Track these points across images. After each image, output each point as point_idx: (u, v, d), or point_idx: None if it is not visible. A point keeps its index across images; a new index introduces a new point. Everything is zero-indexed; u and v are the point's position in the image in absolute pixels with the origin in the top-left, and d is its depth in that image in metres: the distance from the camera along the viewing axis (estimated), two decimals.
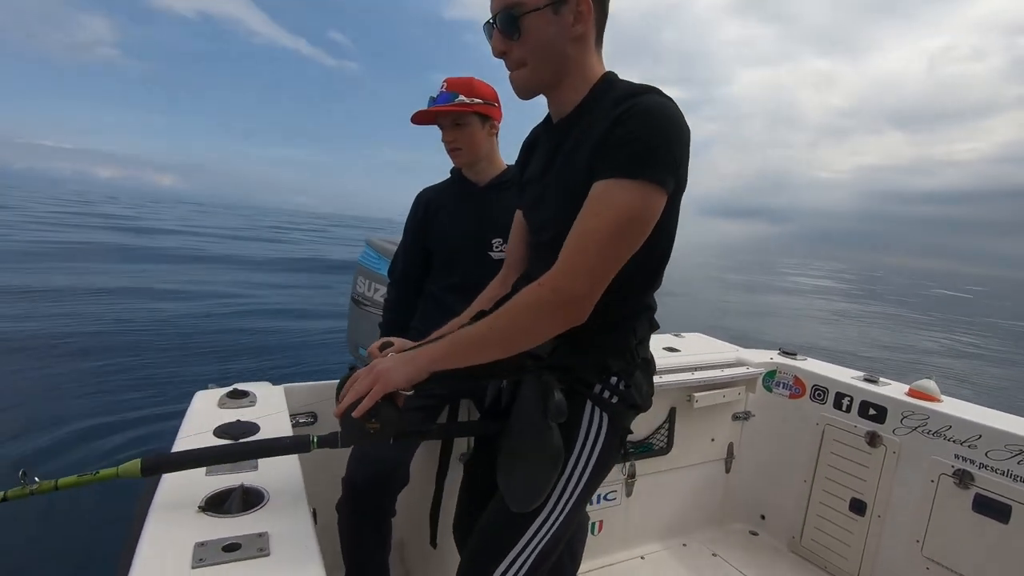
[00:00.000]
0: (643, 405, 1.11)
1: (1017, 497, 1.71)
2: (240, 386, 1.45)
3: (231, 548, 0.81)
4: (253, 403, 1.38)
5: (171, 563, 0.77)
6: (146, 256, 15.04)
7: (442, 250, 1.80)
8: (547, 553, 1.06)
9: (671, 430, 2.21)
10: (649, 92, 0.96)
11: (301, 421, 1.65)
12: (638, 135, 0.90)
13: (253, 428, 1.22)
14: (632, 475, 2.18)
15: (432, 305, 1.86)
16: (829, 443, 2.22)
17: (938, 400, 2.00)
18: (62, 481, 0.92)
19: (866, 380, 2.21)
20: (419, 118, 1.69)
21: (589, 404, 1.06)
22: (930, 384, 2.04)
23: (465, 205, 1.78)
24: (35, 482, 0.90)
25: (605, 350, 1.06)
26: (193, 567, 0.77)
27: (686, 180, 0.98)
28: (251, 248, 22.06)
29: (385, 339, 1.22)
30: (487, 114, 1.70)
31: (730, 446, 2.43)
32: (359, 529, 1.51)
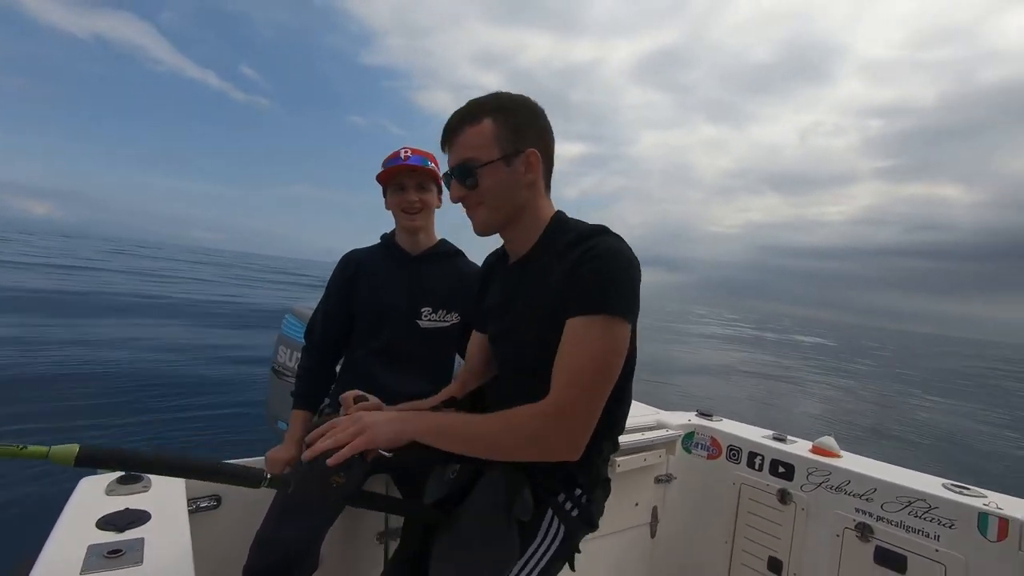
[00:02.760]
0: (596, 524, 1.15)
1: (911, 547, 1.82)
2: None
3: None
4: (147, 488, 1.28)
5: None
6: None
7: (369, 314, 1.79)
8: None
9: None
10: (602, 233, 1.07)
11: (203, 506, 1.54)
12: (603, 274, 1.00)
13: (143, 517, 1.14)
14: None
15: (353, 371, 1.83)
16: (745, 502, 2.29)
17: (838, 456, 2.13)
18: None
19: (775, 439, 2.32)
20: (390, 173, 1.75)
21: (550, 513, 1.08)
22: (830, 441, 2.17)
23: (397, 271, 1.80)
24: None
25: (576, 463, 1.07)
26: None
27: (639, 309, 1.09)
28: (147, 290, 19.56)
29: (358, 392, 1.21)
30: (440, 187, 1.80)
31: (654, 510, 2.45)
32: None
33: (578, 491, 1.11)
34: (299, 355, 2.78)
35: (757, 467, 2.27)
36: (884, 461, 2.11)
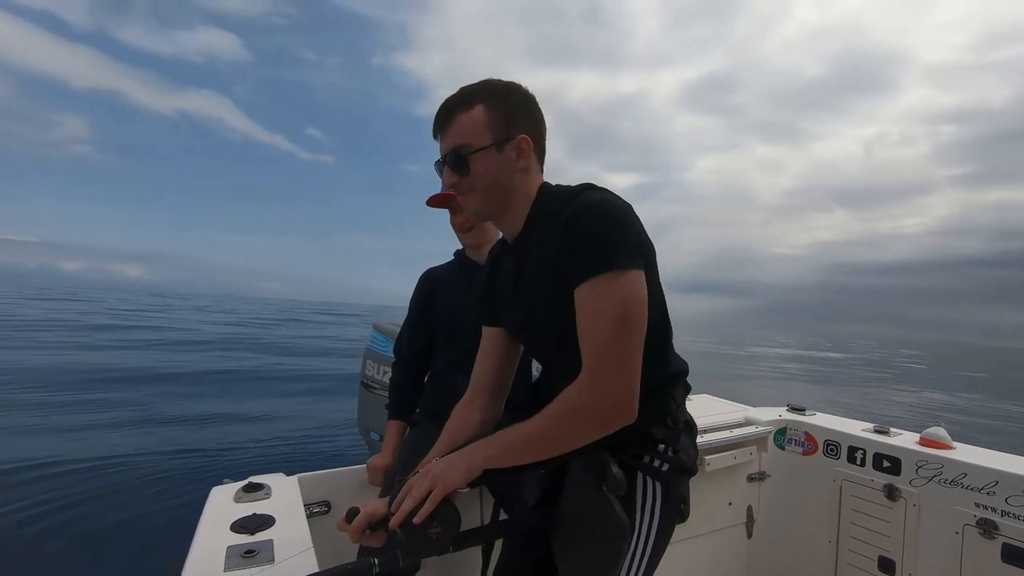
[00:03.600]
0: (693, 468, 1.14)
1: None
2: (255, 479, 1.48)
3: None
4: (268, 495, 1.40)
5: None
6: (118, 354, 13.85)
7: (446, 326, 1.88)
8: None
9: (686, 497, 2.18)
10: (585, 190, 1.06)
11: (315, 511, 1.66)
12: (593, 231, 0.98)
13: (268, 520, 1.25)
14: None
15: (436, 382, 1.92)
16: (848, 499, 2.18)
17: (950, 447, 1.99)
18: None
19: (877, 432, 2.20)
20: (435, 201, 1.82)
21: (640, 475, 1.08)
22: (940, 431, 2.03)
23: (468, 282, 1.88)
24: None
25: (648, 420, 1.06)
26: None
27: (653, 251, 1.07)
28: (240, 337, 21.49)
29: (351, 508, 1.08)
30: None
31: (749, 509, 2.38)
32: None
33: (662, 446, 1.10)
34: (386, 368, 2.93)
35: (859, 462, 2.16)
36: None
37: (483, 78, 1.11)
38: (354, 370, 3.33)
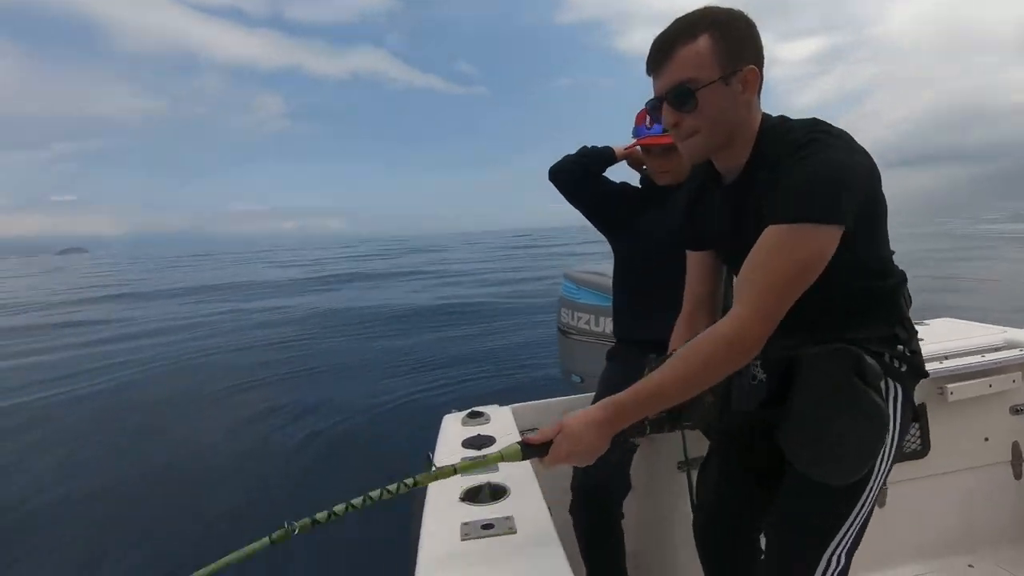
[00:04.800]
0: (925, 372, 1.13)
1: None
2: (477, 408, 1.74)
3: (487, 527, 1.03)
4: (488, 421, 1.64)
5: (446, 536, 1.02)
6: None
7: (647, 249, 1.85)
8: (862, 532, 1.08)
9: (924, 429, 1.94)
10: (815, 141, 0.97)
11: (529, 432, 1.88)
12: (803, 182, 0.94)
13: (490, 440, 1.47)
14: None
15: (637, 303, 1.92)
16: None
17: None
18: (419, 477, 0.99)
19: None
20: (634, 146, 1.86)
21: (883, 375, 1.05)
22: None
23: (662, 208, 1.84)
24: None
25: (890, 321, 1.08)
26: (461, 539, 1.01)
27: (874, 202, 1.01)
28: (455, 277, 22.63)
29: None
30: None
31: (1015, 446, 2.02)
32: (593, 530, 1.64)
33: (900, 347, 1.07)
34: (579, 314, 3.07)
35: None
36: None
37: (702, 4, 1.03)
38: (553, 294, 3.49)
